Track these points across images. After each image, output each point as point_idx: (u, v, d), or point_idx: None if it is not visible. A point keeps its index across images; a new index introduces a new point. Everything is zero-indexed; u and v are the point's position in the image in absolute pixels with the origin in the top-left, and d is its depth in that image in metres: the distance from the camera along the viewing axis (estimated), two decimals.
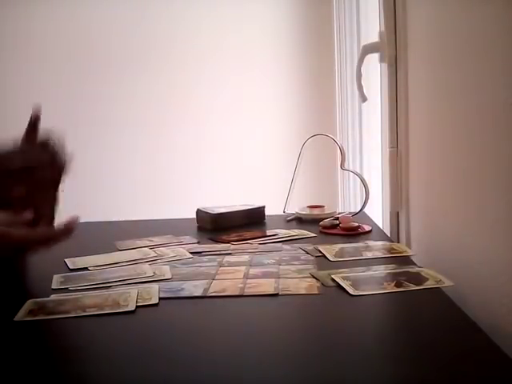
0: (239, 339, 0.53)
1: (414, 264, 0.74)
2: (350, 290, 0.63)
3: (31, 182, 0.73)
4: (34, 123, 0.78)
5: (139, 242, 0.93)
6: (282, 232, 0.99)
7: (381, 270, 0.71)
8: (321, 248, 0.84)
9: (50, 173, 0.76)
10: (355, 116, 1.92)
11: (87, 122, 2.25)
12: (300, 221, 1.12)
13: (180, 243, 0.93)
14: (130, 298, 0.62)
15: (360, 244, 0.87)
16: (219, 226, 1.04)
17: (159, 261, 0.81)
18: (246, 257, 0.82)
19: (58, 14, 2.23)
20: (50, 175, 0.76)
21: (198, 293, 0.65)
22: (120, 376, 0.46)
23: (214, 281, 0.70)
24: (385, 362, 0.48)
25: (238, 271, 0.74)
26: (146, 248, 0.89)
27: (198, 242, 0.94)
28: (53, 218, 0.79)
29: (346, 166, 1.22)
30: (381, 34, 1.09)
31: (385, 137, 1.13)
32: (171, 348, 0.51)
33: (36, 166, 0.74)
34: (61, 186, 0.77)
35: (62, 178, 0.77)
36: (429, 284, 0.65)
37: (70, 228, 0.72)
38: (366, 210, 1.14)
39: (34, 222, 0.72)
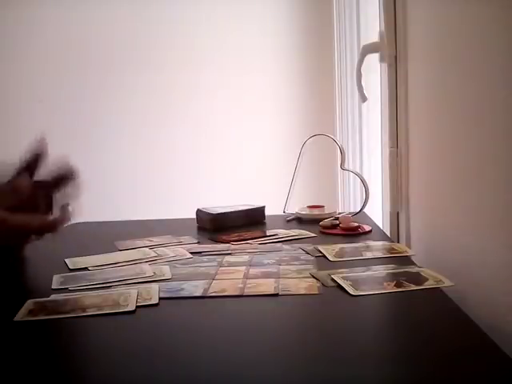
0: (239, 339, 0.53)
1: (414, 264, 0.74)
2: (350, 290, 0.63)
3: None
4: (36, 156, 0.79)
5: (139, 242, 0.93)
6: (282, 232, 0.99)
7: (381, 270, 0.71)
8: (321, 248, 0.84)
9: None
10: (355, 116, 1.92)
11: (87, 122, 2.25)
12: (300, 221, 1.12)
13: (180, 243, 0.93)
14: (130, 298, 0.62)
15: (360, 244, 0.87)
16: (219, 226, 1.04)
17: (159, 261, 0.81)
18: (246, 257, 0.82)
19: (58, 14, 2.23)
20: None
21: (198, 293, 0.65)
22: (120, 376, 0.46)
23: (214, 281, 0.70)
24: (385, 361, 0.48)
25: (237, 271, 0.74)
26: (145, 248, 0.89)
27: (198, 242, 0.94)
28: (50, 207, 0.80)
29: (345, 166, 1.22)
30: (381, 34, 1.09)
31: (385, 137, 1.13)
32: (171, 348, 0.51)
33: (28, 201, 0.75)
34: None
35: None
36: (429, 284, 0.65)
37: (64, 216, 0.73)
38: (366, 209, 1.14)
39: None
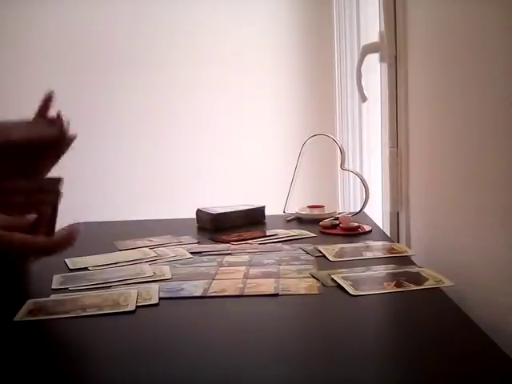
0: (239, 339, 0.53)
1: (414, 264, 0.74)
2: (350, 290, 0.63)
3: (31, 159, 0.71)
4: (46, 102, 0.78)
5: (139, 242, 0.93)
6: (282, 232, 0.99)
7: (381, 270, 0.71)
8: (321, 248, 0.84)
9: (54, 149, 0.75)
10: (355, 116, 1.92)
11: (87, 122, 2.25)
12: (300, 221, 1.12)
13: (180, 243, 0.93)
14: (130, 298, 0.62)
15: (360, 244, 0.87)
16: (219, 226, 1.04)
17: (159, 261, 0.81)
18: (246, 257, 0.82)
19: (58, 14, 2.23)
20: (54, 152, 0.75)
21: (198, 293, 0.65)
22: (120, 376, 0.46)
23: (214, 281, 0.70)
24: (385, 361, 0.48)
25: (237, 271, 0.74)
26: (145, 248, 0.89)
27: (198, 242, 0.94)
28: (53, 224, 0.78)
29: (345, 166, 1.22)
30: (381, 34, 1.09)
31: (385, 137, 1.13)
32: (171, 348, 0.51)
33: (38, 141, 0.73)
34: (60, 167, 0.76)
35: (64, 154, 0.76)
36: (429, 284, 0.65)
37: (71, 238, 0.70)
38: (366, 209, 1.14)
39: (35, 227, 0.71)
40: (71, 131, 0.76)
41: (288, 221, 1.12)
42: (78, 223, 0.71)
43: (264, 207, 1.13)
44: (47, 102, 0.77)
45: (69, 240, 0.67)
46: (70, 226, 0.70)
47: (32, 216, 0.68)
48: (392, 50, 1.06)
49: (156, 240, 0.95)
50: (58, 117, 0.74)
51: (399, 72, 1.06)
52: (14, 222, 0.67)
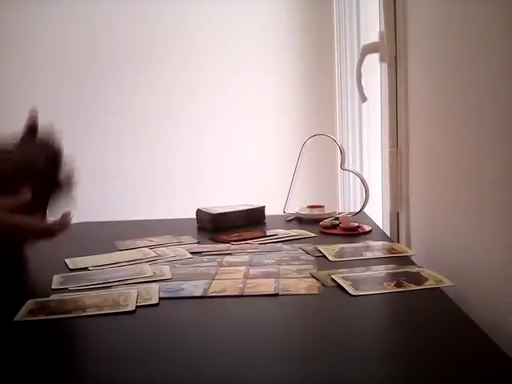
0: (239, 339, 0.53)
1: (414, 264, 0.74)
2: (350, 290, 0.63)
3: (25, 184, 0.73)
4: (31, 124, 0.78)
5: (139, 242, 0.93)
6: (282, 232, 0.99)
7: (381, 270, 0.71)
8: (321, 248, 0.84)
9: (47, 173, 0.76)
10: (355, 116, 1.92)
11: (87, 122, 2.25)
12: (300, 221, 1.12)
13: (180, 243, 0.93)
14: (130, 298, 0.62)
15: (360, 244, 0.87)
16: (219, 226, 1.04)
17: (159, 261, 0.81)
18: (246, 257, 0.82)
19: (58, 13, 2.23)
20: (47, 176, 0.76)
21: (198, 293, 0.65)
22: (120, 376, 0.46)
23: (214, 281, 0.70)
24: (385, 362, 0.48)
25: (237, 271, 0.74)
26: (145, 248, 0.89)
27: (198, 242, 0.94)
28: (45, 212, 0.79)
29: (345, 166, 1.22)
30: (381, 34, 1.09)
31: (385, 137, 1.13)
32: (171, 348, 0.51)
33: (30, 168, 0.74)
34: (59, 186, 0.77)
35: (59, 177, 0.77)
36: (429, 284, 0.65)
37: (66, 222, 0.73)
38: (366, 209, 1.14)
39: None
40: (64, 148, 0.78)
41: (288, 221, 1.12)
42: (70, 211, 0.74)
43: (264, 207, 1.13)
44: (32, 123, 0.78)
45: (64, 224, 0.70)
46: (63, 213, 0.74)
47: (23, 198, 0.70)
48: (392, 50, 1.06)
49: (156, 240, 0.95)
50: (48, 140, 0.76)
51: (399, 72, 1.06)
52: (9, 203, 0.69)
